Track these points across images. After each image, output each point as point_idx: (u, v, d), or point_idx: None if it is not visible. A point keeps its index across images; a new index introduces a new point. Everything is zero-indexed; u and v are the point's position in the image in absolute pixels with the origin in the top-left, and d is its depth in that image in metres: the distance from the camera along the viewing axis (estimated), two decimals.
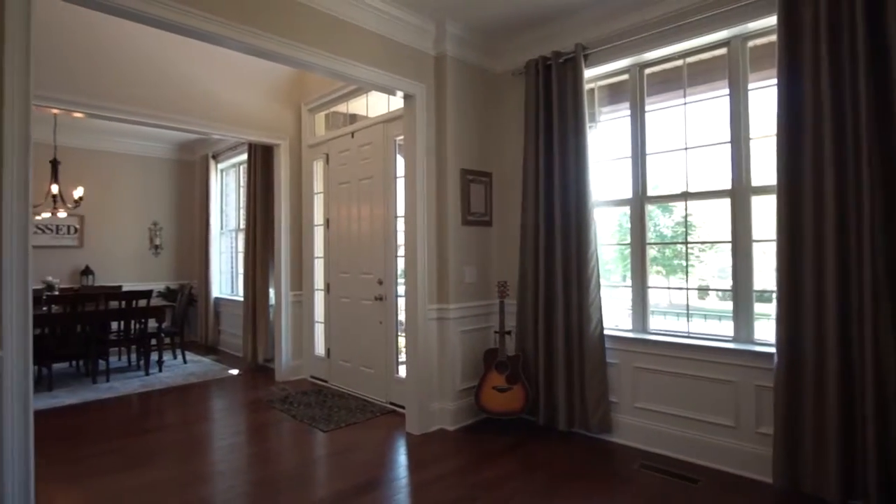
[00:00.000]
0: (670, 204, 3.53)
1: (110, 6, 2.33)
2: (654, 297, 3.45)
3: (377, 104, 4.46)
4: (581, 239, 3.37)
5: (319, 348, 5.07)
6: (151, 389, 4.83)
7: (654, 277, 3.53)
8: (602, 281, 3.39)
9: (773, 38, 2.73)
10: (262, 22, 2.78)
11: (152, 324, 5.71)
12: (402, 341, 4.16)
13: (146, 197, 7.29)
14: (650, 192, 3.38)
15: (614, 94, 3.62)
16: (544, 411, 3.50)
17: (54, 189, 5.13)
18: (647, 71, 3.40)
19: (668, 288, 3.65)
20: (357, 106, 4.70)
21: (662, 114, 3.38)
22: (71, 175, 6.33)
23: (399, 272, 4.17)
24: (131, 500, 2.64)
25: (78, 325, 5.04)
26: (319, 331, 5.08)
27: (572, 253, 3.41)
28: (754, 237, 2.95)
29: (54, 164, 5.22)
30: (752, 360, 2.82)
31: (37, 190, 5.48)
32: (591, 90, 3.64)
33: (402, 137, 4.00)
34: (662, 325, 3.41)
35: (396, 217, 4.15)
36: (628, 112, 3.45)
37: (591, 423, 3.33)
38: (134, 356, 5.93)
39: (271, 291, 5.52)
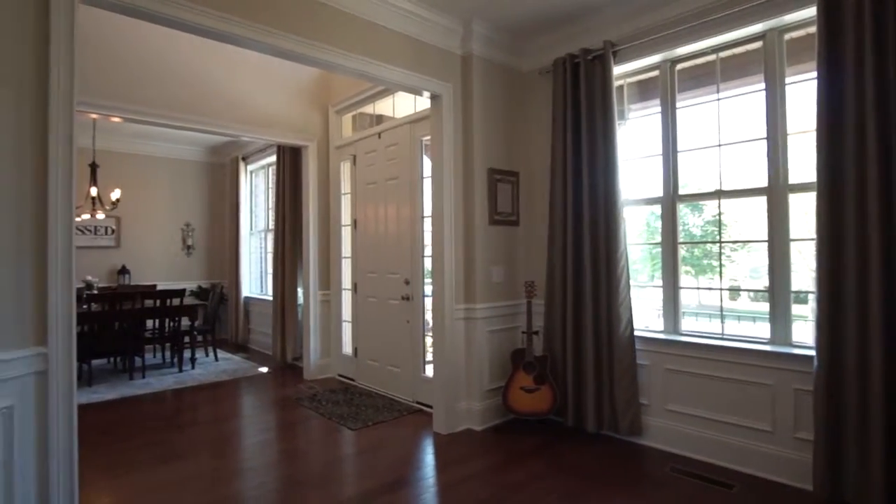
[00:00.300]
0: (700, 202, 3.45)
1: (153, 14, 2.39)
2: (684, 298, 3.38)
3: (404, 105, 4.49)
4: (610, 238, 3.32)
5: (347, 347, 5.12)
6: (185, 386, 4.95)
7: (683, 278, 3.45)
8: (630, 281, 3.34)
9: (812, 29, 2.64)
10: (290, 25, 2.82)
11: (185, 322, 5.86)
12: (428, 341, 4.18)
13: (179, 199, 7.49)
14: (681, 191, 3.31)
15: (644, 90, 3.56)
16: (572, 412, 3.46)
17: (93, 191, 5.31)
18: (679, 67, 3.33)
19: (699, 288, 3.57)
20: (384, 107, 4.73)
21: (694, 110, 3.30)
22: (108, 178, 6.54)
23: (426, 272, 4.19)
24: (170, 494, 2.71)
25: (115, 323, 5.21)
26: (347, 330, 5.13)
27: (601, 252, 3.37)
28: (791, 236, 2.86)
29: (93, 167, 5.40)
30: (790, 362, 2.73)
31: (76, 192, 5.70)
32: (620, 87, 3.58)
33: (428, 138, 4.02)
34: (693, 327, 3.34)
35: (423, 217, 4.17)
36: (659, 109, 3.39)
37: (620, 425, 3.28)
38: (168, 353, 6.10)
39: (299, 291, 5.61)
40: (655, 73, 3.42)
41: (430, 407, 3.89)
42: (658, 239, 3.40)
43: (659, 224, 3.39)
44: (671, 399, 3.20)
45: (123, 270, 6.92)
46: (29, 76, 2.04)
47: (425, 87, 3.49)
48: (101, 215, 5.54)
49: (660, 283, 3.39)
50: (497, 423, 3.69)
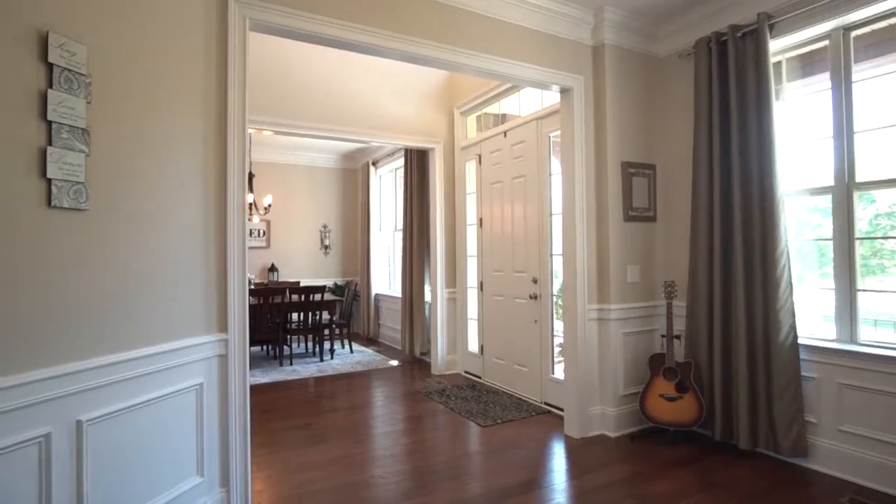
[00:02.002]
0: (871, 192, 2.94)
1: (307, 34, 2.63)
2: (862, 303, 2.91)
3: (529, 102, 4.44)
4: (767, 234, 2.97)
5: (473, 345, 5.20)
6: (325, 374, 5.39)
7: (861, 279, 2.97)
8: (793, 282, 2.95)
9: None
10: (416, 29, 2.90)
11: (325, 316, 6.38)
12: (557, 341, 4.09)
13: (318, 203, 8.17)
14: (859, 178, 2.86)
15: (807, 64, 3.13)
16: (721, 426, 3.16)
17: (250, 198, 5.99)
18: (854, 34, 2.88)
19: (882, 291, 3.05)
20: (509, 105, 4.73)
21: (875, 83, 2.83)
22: (261, 186, 7.37)
23: (554, 271, 4.10)
24: (316, 473, 2.96)
25: (268, 315, 5.82)
26: (473, 327, 5.21)
27: (755, 250, 3.03)
28: None
29: (250, 176, 6.09)
30: None
31: None
32: (777, 63, 3.19)
33: (556, 133, 3.93)
34: (870, 336, 2.86)
35: (551, 214, 4.09)
36: (828, 84, 2.95)
37: (781, 444, 2.92)
38: (310, 344, 6.68)
39: (426, 288, 5.81)
40: (824, 43, 2.99)
41: (560, 409, 3.80)
42: (814, 234, 2.97)
43: (814, 218, 2.96)
44: (846, 418, 2.77)
45: (273, 268, 7.73)
46: (212, 95, 2.34)
47: (555, 82, 3.42)
48: (255, 219, 6.23)
49: (823, 284, 2.95)
50: (633, 431, 3.50)
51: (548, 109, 4.05)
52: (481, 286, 4.99)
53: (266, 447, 3.35)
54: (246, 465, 2.40)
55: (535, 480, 2.82)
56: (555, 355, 4.12)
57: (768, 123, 2.98)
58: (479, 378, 5.00)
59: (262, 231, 7.73)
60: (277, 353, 5.90)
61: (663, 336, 3.41)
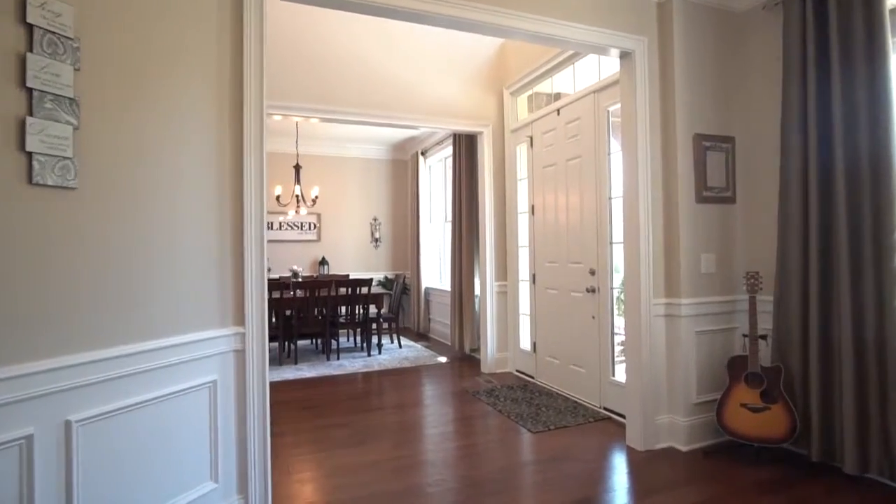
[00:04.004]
0: None
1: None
2: None
3: (585, 75, 4.01)
4: (882, 215, 2.43)
5: (525, 342, 4.84)
6: (371, 370, 5.21)
7: None
8: None
9: None
10: None
11: (373, 310, 6.22)
12: (618, 339, 3.67)
13: (368, 195, 8.04)
14: None
15: None
16: (819, 445, 2.65)
17: (297, 190, 5.91)
18: None
19: None
20: (562, 82, 4.31)
21: None
22: (312, 179, 7.33)
23: (614, 261, 3.68)
24: (357, 478, 2.73)
25: (315, 309, 5.72)
26: (525, 323, 4.85)
27: (865, 234, 2.49)
28: None
29: (297, 168, 6.01)
30: None
31: (285, 192, 6.44)
32: (893, 10, 2.61)
33: (616, 107, 3.51)
34: None
35: (610, 198, 3.66)
36: None
37: None
38: (358, 338, 6.55)
39: (476, 281, 5.51)
40: None
41: (622, 416, 3.39)
42: None
43: None
44: None
45: (323, 261, 7.68)
46: (227, 68, 2.14)
47: (613, 44, 3.00)
48: (303, 210, 6.15)
49: None
50: (707, 445, 3.04)
51: (605, 81, 3.62)
52: (533, 279, 4.62)
53: (302, 447, 3.17)
54: (265, 470, 2.20)
55: (591, 499, 2.46)
56: (616, 355, 3.69)
57: (883, 82, 2.44)
58: (532, 378, 4.63)
59: (312, 224, 7.70)
60: (325, 348, 5.79)
61: (745, 336, 2.92)
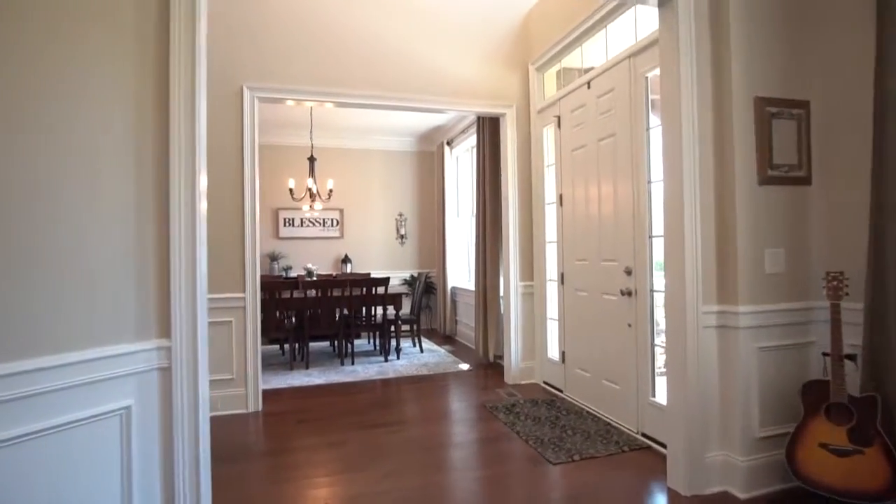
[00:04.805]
0: None
1: None
2: None
3: (619, 39, 3.41)
4: None
5: (553, 350, 4.28)
6: (385, 377, 4.77)
7: None
8: None
9: None
10: None
11: (393, 310, 5.78)
12: (660, 352, 3.06)
13: (393, 189, 7.63)
14: None
15: None
16: None
17: (309, 183, 5.55)
18: None
19: None
20: (593, 52, 3.71)
21: None
22: (333, 173, 7.00)
23: (655, 258, 3.07)
24: None
25: (328, 310, 5.33)
26: (553, 329, 4.28)
27: None
28: None
29: (311, 160, 5.66)
30: None
31: (299, 185, 6.11)
32: None
33: (656, 72, 2.90)
34: None
35: (650, 182, 3.05)
36: None
37: None
38: (378, 341, 6.14)
39: (502, 281, 4.97)
40: None
41: (663, 445, 2.80)
42: None
43: None
44: None
45: (346, 259, 7.33)
46: (151, 21, 1.73)
47: None
48: (318, 205, 5.79)
49: None
50: (773, 492, 2.40)
51: (643, 42, 3.02)
52: (562, 278, 4.04)
53: (280, 472, 2.75)
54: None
55: None
56: (656, 372, 3.09)
57: None
58: (560, 392, 4.06)
59: (334, 220, 7.36)
60: (339, 351, 5.41)
61: (825, 355, 2.27)
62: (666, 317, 2.56)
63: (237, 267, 3.74)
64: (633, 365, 3.17)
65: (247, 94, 3.80)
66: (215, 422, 3.46)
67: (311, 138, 5.87)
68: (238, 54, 3.79)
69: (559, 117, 4.01)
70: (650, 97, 3.04)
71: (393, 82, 4.11)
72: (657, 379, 3.07)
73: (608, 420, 3.39)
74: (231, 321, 3.72)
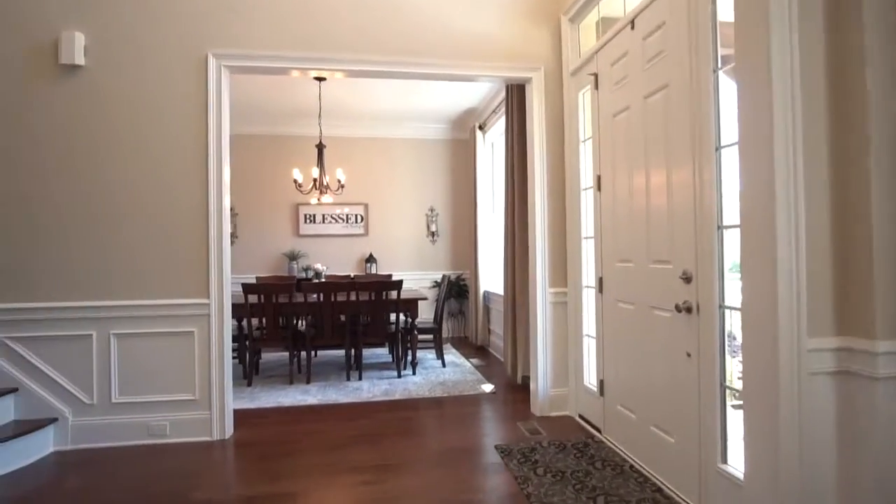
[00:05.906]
0: None
1: None
2: None
3: None
4: None
5: (590, 376, 3.36)
6: (390, 399, 4.03)
7: None
8: None
9: None
10: None
11: (408, 318, 5.03)
12: (735, 395, 2.11)
13: (423, 182, 6.90)
14: None
15: None
16: None
17: (315, 173, 4.91)
18: None
19: None
20: None
21: None
22: (355, 163, 6.37)
23: (726, 258, 2.11)
24: None
25: (333, 317, 4.66)
26: (590, 349, 3.37)
27: None
28: None
29: (319, 148, 5.01)
30: None
31: (306, 176, 5.49)
32: None
33: None
34: None
35: (718, 149, 2.10)
36: None
37: None
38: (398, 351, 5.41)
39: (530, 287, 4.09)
40: None
41: None
42: None
43: None
44: None
45: (371, 259, 6.67)
46: None
47: None
48: (327, 198, 5.13)
49: None
50: None
51: None
52: (600, 285, 3.12)
53: None
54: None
55: None
56: (728, 422, 2.13)
57: None
58: (598, 431, 3.15)
59: (358, 216, 6.72)
60: (346, 364, 4.72)
61: None
62: (744, 353, 1.63)
63: (199, 269, 3.10)
64: (695, 412, 2.22)
65: (212, 63, 3.17)
66: (156, 454, 2.86)
67: (319, 124, 5.22)
68: (200, 11, 3.17)
69: (596, 75, 3.09)
70: (719, 22, 2.09)
71: (388, 44, 3.35)
72: (730, 435, 2.11)
73: (658, 482, 2.45)
74: (193, 331, 3.10)
